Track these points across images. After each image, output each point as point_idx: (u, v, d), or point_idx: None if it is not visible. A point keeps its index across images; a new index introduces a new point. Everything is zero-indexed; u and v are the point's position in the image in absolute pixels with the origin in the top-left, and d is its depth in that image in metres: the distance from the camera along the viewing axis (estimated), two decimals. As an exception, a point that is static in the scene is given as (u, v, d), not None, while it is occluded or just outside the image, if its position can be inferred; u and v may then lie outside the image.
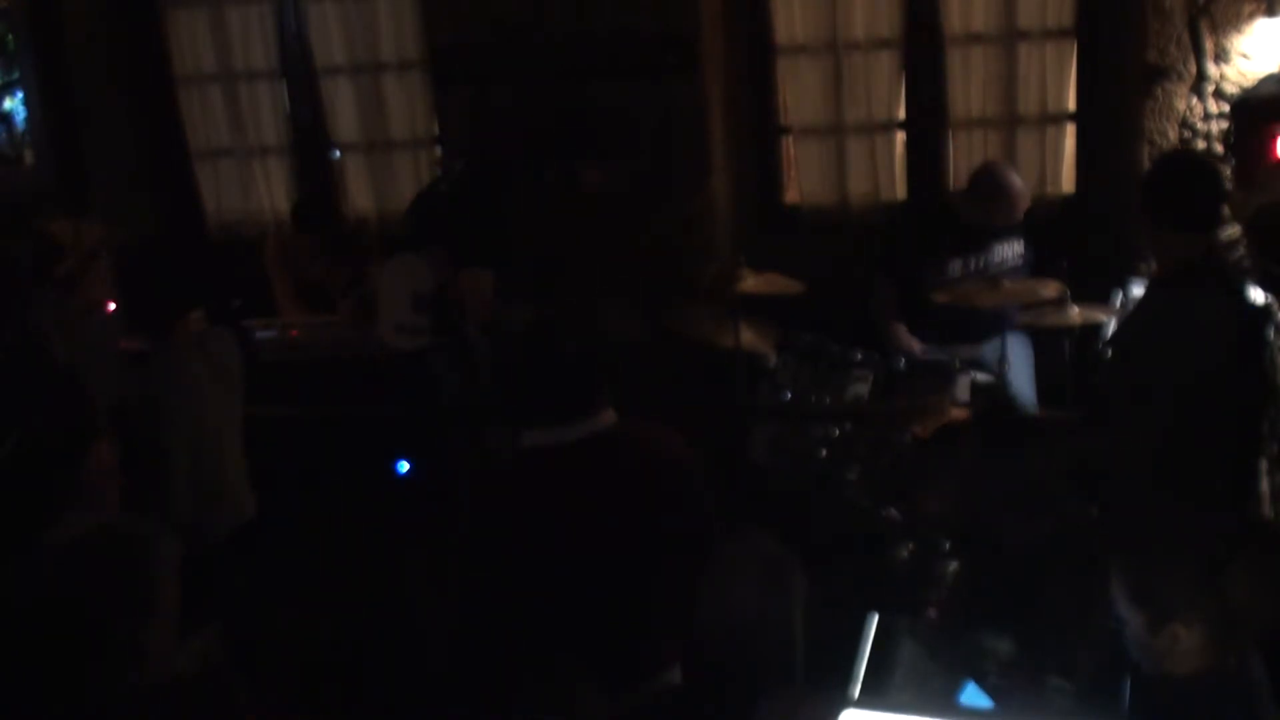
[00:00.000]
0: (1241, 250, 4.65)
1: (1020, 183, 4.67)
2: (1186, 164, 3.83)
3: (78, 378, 3.94)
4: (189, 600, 3.24)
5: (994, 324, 4.67)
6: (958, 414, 4.20)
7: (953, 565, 4.05)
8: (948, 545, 4.10)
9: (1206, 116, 4.78)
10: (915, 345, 4.77)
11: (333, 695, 3.37)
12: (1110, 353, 3.92)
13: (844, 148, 5.37)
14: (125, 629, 2.17)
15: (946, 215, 4.81)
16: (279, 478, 4.04)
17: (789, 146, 5.54)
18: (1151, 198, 3.38)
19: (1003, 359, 4.61)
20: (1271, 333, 3.30)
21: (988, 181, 4.68)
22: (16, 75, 6.18)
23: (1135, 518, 3.31)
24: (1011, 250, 4.78)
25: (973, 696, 2.41)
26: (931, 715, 2.12)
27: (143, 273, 3.75)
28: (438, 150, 5.73)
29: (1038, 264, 4.77)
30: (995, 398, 4.46)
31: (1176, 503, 3.23)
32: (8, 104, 6.35)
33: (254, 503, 3.88)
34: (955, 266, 4.70)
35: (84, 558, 2.22)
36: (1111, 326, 4.40)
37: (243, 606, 3.63)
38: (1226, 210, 4.75)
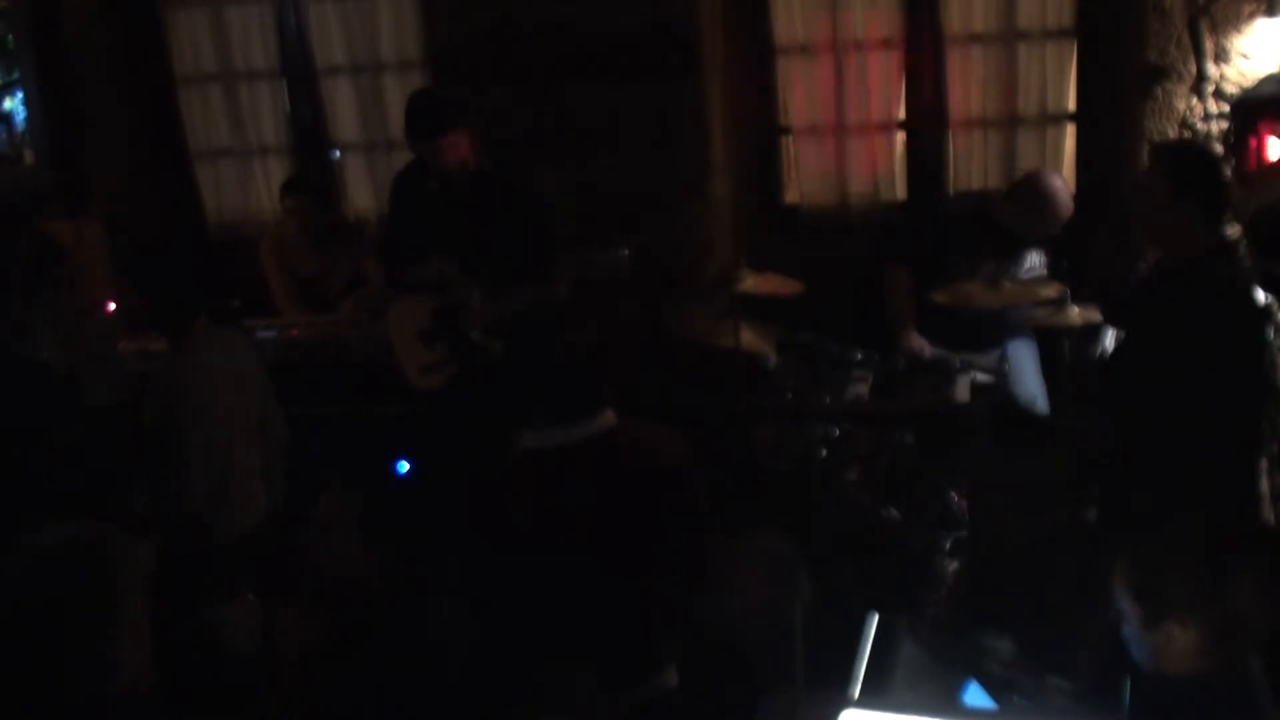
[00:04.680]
0: (1241, 250, 4.65)
1: (1067, 193, 4.61)
2: (1210, 155, 3.88)
3: (72, 380, 3.95)
4: (198, 597, 3.24)
5: (1004, 326, 4.66)
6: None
7: (953, 565, 4.05)
8: (948, 545, 4.11)
9: (1206, 116, 4.78)
10: (926, 348, 4.73)
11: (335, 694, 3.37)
12: (1115, 343, 3.91)
13: (844, 148, 5.36)
14: (89, 638, 2.16)
15: (983, 216, 4.74)
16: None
17: (789, 146, 5.54)
18: (1182, 181, 3.38)
19: (1003, 358, 4.61)
20: (1271, 333, 3.31)
21: (1036, 191, 4.60)
22: (16, 75, 6.18)
23: (1140, 513, 3.31)
24: (1040, 258, 4.75)
25: (976, 696, 2.41)
26: (931, 715, 2.12)
27: (159, 272, 3.75)
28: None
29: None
30: (1000, 396, 4.46)
31: (1178, 500, 3.23)
32: (8, 104, 6.36)
33: (266, 502, 3.89)
34: (987, 269, 4.60)
35: (49, 566, 2.21)
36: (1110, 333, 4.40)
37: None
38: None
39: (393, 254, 4.67)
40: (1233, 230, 4.70)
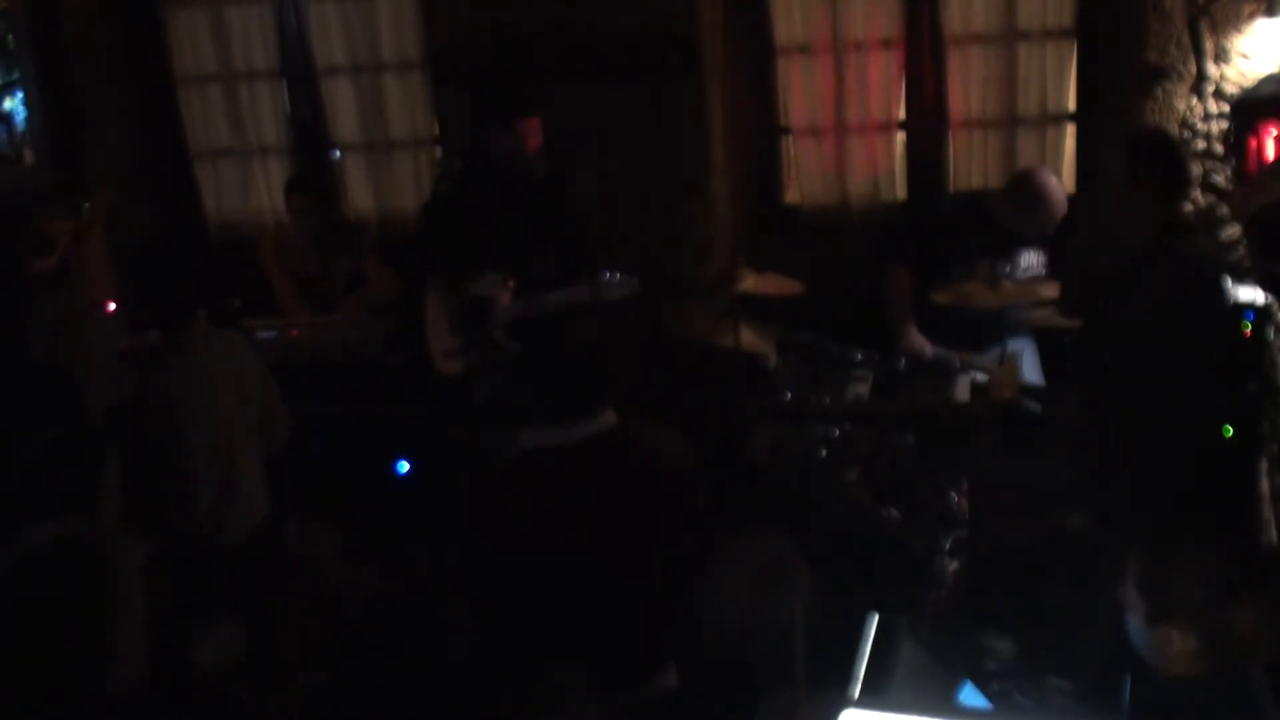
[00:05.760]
0: (1241, 250, 4.66)
1: (1061, 191, 4.61)
2: (1166, 137, 3.96)
3: (73, 382, 3.94)
4: (204, 599, 3.24)
5: (1004, 326, 4.66)
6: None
7: (953, 565, 4.06)
8: (948, 545, 4.11)
9: (1206, 116, 4.78)
10: (927, 348, 4.73)
11: (337, 695, 3.38)
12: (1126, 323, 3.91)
13: (844, 148, 5.36)
14: (85, 638, 2.15)
15: (981, 215, 4.73)
16: (280, 477, 4.05)
17: (789, 146, 5.54)
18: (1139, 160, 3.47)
19: (1002, 358, 4.60)
20: (1271, 333, 3.31)
21: (1030, 187, 4.59)
22: (16, 75, 6.18)
23: (1144, 511, 3.32)
24: (1037, 258, 4.75)
25: (970, 697, 2.41)
26: (931, 715, 2.12)
27: (157, 270, 3.75)
28: (438, 150, 5.74)
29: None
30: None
31: (1179, 501, 3.24)
32: (8, 104, 6.35)
33: (267, 503, 3.88)
34: (983, 268, 4.62)
35: (45, 566, 2.20)
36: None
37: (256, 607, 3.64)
38: (1226, 209, 4.79)
39: (424, 242, 4.73)
40: (1232, 230, 4.72)
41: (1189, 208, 4.55)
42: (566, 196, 4.54)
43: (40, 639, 2.14)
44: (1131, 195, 3.50)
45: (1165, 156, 3.62)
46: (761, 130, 5.52)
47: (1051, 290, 4.37)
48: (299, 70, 5.87)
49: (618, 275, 4.32)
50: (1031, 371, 4.75)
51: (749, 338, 4.40)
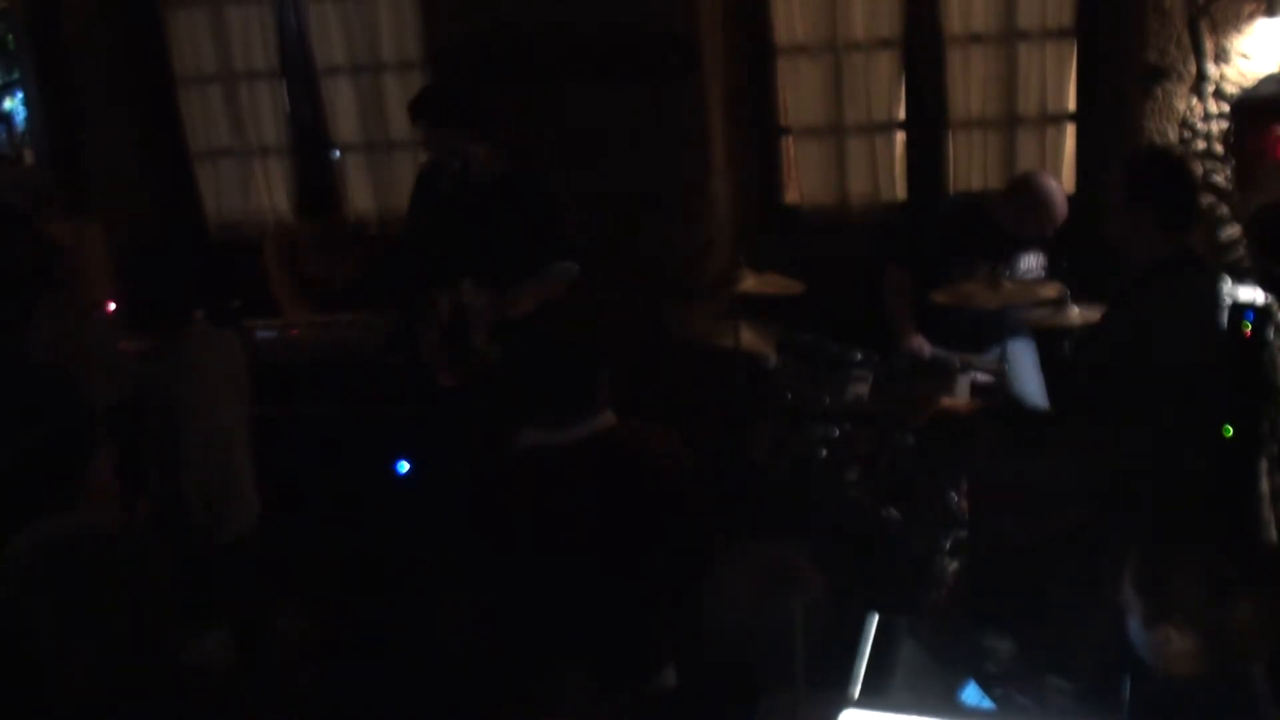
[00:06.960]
0: (1241, 250, 4.65)
1: (1062, 195, 4.60)
2: (1173, 162, 3.85)
3: (72, 381, 3.93)
4: (199, 600, 3.24)
5: (1004, 326, 4.66)
6: (949, 403, 4.18)
7: (953, 565, 4.05)
8: (948, 545, 4.11)
9: (1206, 116, 4.78)
10: (926, 349, 4.73)
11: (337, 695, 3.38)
12: (1098, 352, 3.88)
13: (844, 148, 5.36)
14: (85, 639, 2.15)
15: (980, 217, 4.73)
16: (279, 479, 4.05)
17: (789, 146, 5.54)
18: (1144, 196, 3.37)
19: (1002, 358, 4.60)
20: (1271, 333, 3.30)
21: (1029, 191, 4.59)
22: (16, 75, 6.18)
23: (1143, 515, 3.31)
24: (1037, 260, 4.75)
25: (974, 696, 2.41)
26: (931, 715, 2.12)
27: (153, 271, 3.75)
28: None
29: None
30: (1005, 398, 4.45)
31: (1178, 505, 3.24)
32: (8, 104, 6.35)
33: (259, 504, 3.88)
34: (982, 269, 4.59)
35: (43, 566, 2.20)
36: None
37: (252, 607, 3.64)
38: (1226, 209, 4.78)
39: (405, 257, 4.72)
40: (1232, 230, 4.71)
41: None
42: (532, 195, 4.49)
43: (39, 639, 2.14)
44: (1127, 217, 3.39)
45: (1167, 184, 3.40)
46: (761, 130, 5.53)
47: (1051, 291, 4.37)
48: (299, 70, 5.87)
49: (562, 263, 4.39)
50: (1031, 372, 4.76)
51: (749, 338, 4.40)
